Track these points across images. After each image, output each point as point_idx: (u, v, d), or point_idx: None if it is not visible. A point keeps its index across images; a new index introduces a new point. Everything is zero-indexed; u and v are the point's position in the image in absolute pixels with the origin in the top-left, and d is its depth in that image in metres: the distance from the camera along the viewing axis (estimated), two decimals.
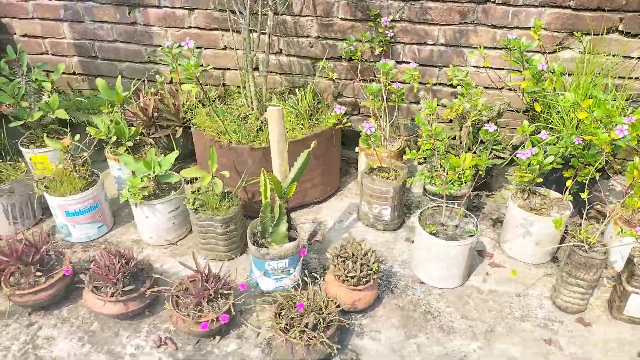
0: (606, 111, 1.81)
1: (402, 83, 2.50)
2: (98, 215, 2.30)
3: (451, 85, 2.68)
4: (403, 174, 2.33)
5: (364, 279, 1.85)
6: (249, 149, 2.24)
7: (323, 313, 1.73)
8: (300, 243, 1.90)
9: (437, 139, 2.14)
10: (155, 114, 2.71)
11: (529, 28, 2.47)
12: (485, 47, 2.59)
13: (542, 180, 2.14)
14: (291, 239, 1.94)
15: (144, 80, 3.12)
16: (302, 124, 2.50)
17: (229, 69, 3.01)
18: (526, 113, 2.62)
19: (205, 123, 2.41)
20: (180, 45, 1.90)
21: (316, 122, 2.54)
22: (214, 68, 3.03)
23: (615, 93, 2.28)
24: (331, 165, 2.57)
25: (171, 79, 3.04)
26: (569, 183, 2.10)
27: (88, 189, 2.23)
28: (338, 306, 1.75)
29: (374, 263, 1.87)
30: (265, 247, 1.88)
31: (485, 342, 1.86)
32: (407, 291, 2.08)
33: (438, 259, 2.00)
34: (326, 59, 2.82)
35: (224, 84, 3.08)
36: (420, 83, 2.79)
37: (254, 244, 1.91)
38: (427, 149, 2.15)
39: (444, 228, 2.04)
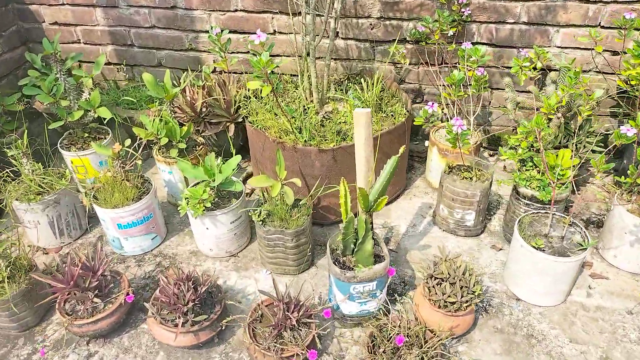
0: None
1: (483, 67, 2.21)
2: (152, 226, 2.10)
3: (534, 69, 2.38)
4: (488, 174, 2.07)
5: (465, 305, 1.62)
6: (317, 150, 1.99)
7: (423, 346, 1.51)
8: (389, 262, 1.68)
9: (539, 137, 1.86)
10: (204, 109, 2.47)
11: (630, 2, 2.14)
12: (574, 25, 2.28)
13: None
14: (377, 257, 1.72)
15: (186, 70, 2.87)
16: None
17: (278, 55, 2.73)
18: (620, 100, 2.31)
19: (267, 121, 2.16)
20: (255, 37, 1.64)
21: (385, 115, 2.27)
22: None
23: None
24: (400, 162, 2.32)
25: (215, 68, 2.78)
26: None
27: (141, 198, 2.02)
28: (440, 339, 1.53)
29: (475, 285, 1.64)
30: (351, 270, 1.66)
31: None
32: (502, 310, 1.85)
33: (542, 275, 1.75)
34: (390, 41, 2.52)
35: (272, 72, 2.81)
36: (493, 67, 2.49)
37: (335, 264, 1.68)
38: (525, 148, 1.88)
39: (548, 240, 1.79)
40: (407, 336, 1.53)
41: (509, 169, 2.60)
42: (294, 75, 2.62)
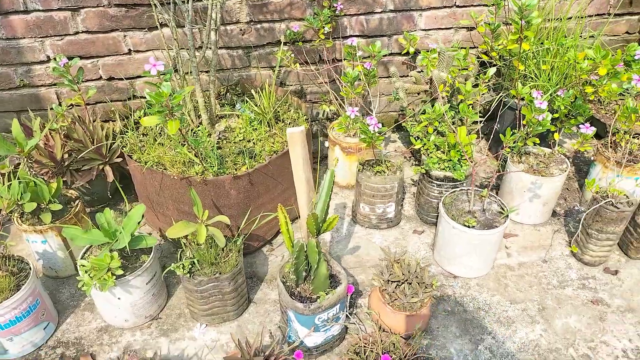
0: (613, 62, 1.76)
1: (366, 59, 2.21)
2: (41, 313, 1.68)
3: (406, 54, 2.47)
4: (399, 164, 2.09)
5: (426, 300, 1.62)
6: (231, 178, 1.78)
7: (404, 356, 1.47)
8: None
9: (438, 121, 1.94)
10: (66, 155, 2.04)
11: None
12: (434, 8, 2.42)
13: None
14: (333, 277, 1.61)
15: (22, 112, 2.35)
16: (270, 131, 2.08)
17: (138, 76, 2.39)
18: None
19: (160, 157, 1.87)
20: (149, 67, 1.36)
21: (284, 124, 2.14)
22: (119, 79, 2.38)
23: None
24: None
25: (68, 104, 2.33)
26: (557, 136, 2.08)
27: (20, 286, 1.59)
28: (415, 343, 1.51)
29: (430, 278, 1.64)
30: (313, 300, 1.52)
31: (545, 321, 1.78)
32: (446, 291, 1.90)
33: (477, 249, 1.84)
34: (264, 45, 2.38)
35: (134, 96, 2.45)
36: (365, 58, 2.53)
37: (292, 297, 1.53)
38: (431, 133, 1.94)
39: (473, 215, 1.88)
40: (389, 351, 1.47)
41: (399, 150, 2.70)
42: None
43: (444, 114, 1.94)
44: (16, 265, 1.66)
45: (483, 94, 1.86)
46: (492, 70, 1.92)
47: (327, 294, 1.52)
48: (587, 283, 1.93)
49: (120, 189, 2.00)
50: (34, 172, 1.80)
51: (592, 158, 2.24)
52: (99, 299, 1.69)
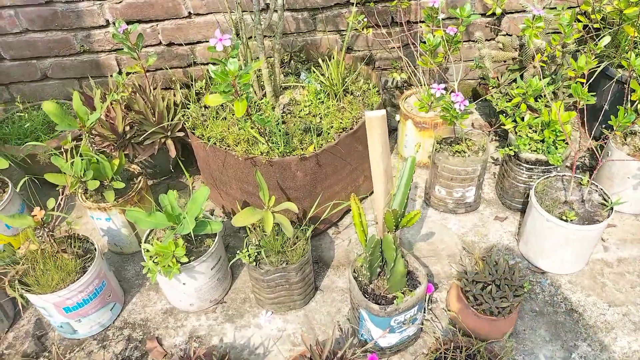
0: None
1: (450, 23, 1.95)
2: (108, 294, 1.65)
3: (492, 15, 2.18)
4: (483, 144, 1.87)
5: (515, 305, 1.44)
6: (298, 159, 1.64)
7: None
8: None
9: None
10: (127, 127, 1.96)
11: None
12: None
13: None
14: (410, 274, 1.46)
15: (82, 79, 2.29)
16: (338, 105, 1.90)
17: (199, 42, 2.25)
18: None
19: (224, 133, 1.75)
20: (215, 42, 1.21)
21: (353, 97, 1.95)
22: (178, 44, 2.26)
23: None
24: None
25: (124, 72, 2.24)
26: None
27: (86, 268, 1.55)
28: (505, 351, 1.35)
29: (521, 279, 1.46)
30: (388, 301, 1.39)
31: None
32: (534, 289, 1.71)
33: (573, 244, 1.63)
34: (331, 6, 2.16)
35: (195, 63, 2.33)
36: (449, 18, 2.25)
37: (365, 295, 1.40)
38: (524, 110, 1.69)
39: (570, 206, 1.65)
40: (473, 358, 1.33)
41: (478, 124, 2.45)
42: None
43: (542, 89, 1.68)
44: (82, 246, 1.62)
45: (591, 68, 1.58)
46: (606, 40, 1.62)
47: (404, 294, 1.38)
48: None
49: (181, 163, 1.90)
50: (95, 147, 1.73)
51: None
52: (163, 283, 1.64)
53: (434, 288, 1.72)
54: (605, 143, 1.94)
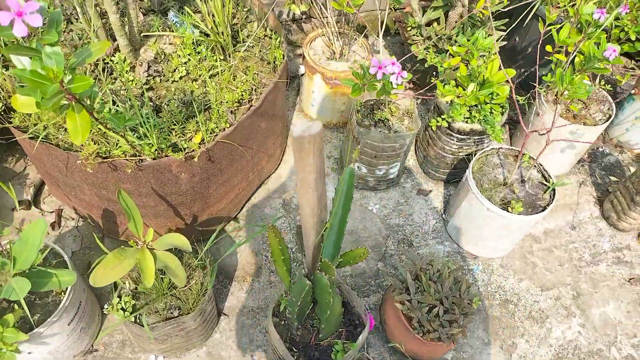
0: None
1: None
2: None
3: None
4: (412, 109, 1.53)
5: (462, 322, 1.22)
6: (180, 160, 1.15)
7: None
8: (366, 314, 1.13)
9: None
10: None
11: None
12: None
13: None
14: (345, 306, 1.15)
15: None
16: (227, 63, 1.39)
17: None
18: None
19: (45, 118, 1.16)
20: None
21: (247, 52, 1.45)
22: None
23: None
24: (282, 118, 1.60)
25: None
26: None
27: None
28: None
29: (466, 291, 1.23)
30: (325, 353, 1.07)
31: (581, 313, 1.49)
32: (466, 277, 1.53)
33: (513, 233, 1.44)
34: None
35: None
36: None
37: (292, 346, 1.07)
38: (462, 75, 1.36)
39: (511, 189, 1.43)
40: None
41: None
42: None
43: (489, 47, 1.35)
44: None
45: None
46: None
47: (344, 347, 1.07)
48: (621, 255, 1.64)
49: None
50: None
51: (633, 91, 1.80)
52: None
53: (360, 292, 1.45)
54: (533, 99, 1.74)
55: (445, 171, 1.68)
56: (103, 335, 1.29)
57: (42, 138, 1.13)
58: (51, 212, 1.51)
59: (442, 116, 1.50)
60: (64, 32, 1.40)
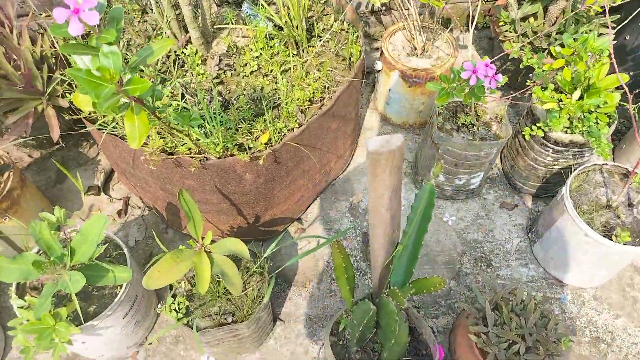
0: None
1: None
2: None
3: None
4: (502, 115, 1.37)
5: None
6: (245, 160, 1.09)
7: None
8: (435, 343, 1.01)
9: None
10: None
11: None
12: None
13: None
14: (412, 333, 1.03)
15: None
16: (301, 58, 1.31)
17: None
18: None
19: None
20: None
21: (323, 47, 1.35)
22: None
23: None
24: (354, 117, 1.49)
25: None
26: None
27: None
28: None
29: (557, 335, 1.07)
30: None
31: None
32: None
33: (613, 264, 1.25)
34: None
35: None
36: None
37: None
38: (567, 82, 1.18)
39: (615, 213, 1.24)
40: None
41: None
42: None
43: (604, 50, 1.16)
44: None
45: None
46: None
47: None
48: None
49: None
50: None
51: None
52: None
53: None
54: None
55: (535, 184, 1.50)
56: (154, 338, 1.26)
57: (109, 131, 1.11)
58: (119, 199, 1.52)
59: (538, 124, 1.32)
60: (139, 22, 1.38)
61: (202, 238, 0.99)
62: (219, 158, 1.07)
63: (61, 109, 1.35)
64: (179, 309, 1.05)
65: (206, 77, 1.27)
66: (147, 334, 1.28)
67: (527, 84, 1.45)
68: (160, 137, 1.11)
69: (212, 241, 0.98)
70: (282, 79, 1.24)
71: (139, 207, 1.52)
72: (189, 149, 1.08)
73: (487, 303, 1.09)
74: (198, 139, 1.05)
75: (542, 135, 1.33)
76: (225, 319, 1.07)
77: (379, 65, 1.60)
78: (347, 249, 1.43)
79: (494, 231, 1.49)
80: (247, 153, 1.08)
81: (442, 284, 0.84)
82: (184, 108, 1.09)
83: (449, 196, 1.52)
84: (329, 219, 1.50)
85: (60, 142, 1.50)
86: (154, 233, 1.18)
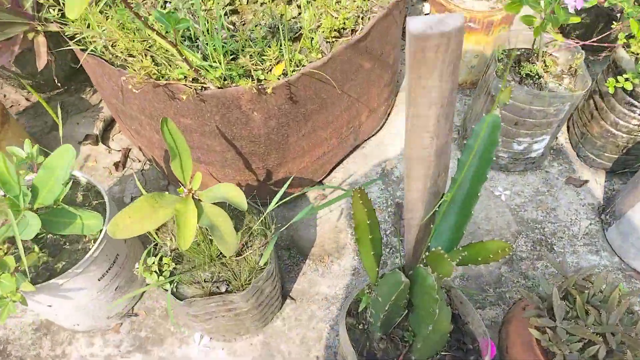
0: None
1: None
2: None
3: None
4: (578, 64, 1.10)
5: None
6: (253, 92, 0.87)
7: None
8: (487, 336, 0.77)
9: None
10: None
11: None
12: None
13: None
14: (457, 334, 0.79)
15: None
16: None
17: None
18: None
19: (117, 39, 0.93)
20: None
21: None
22: None
23: None
24: (393, 62, 1.25)
25: None
26: None
27: None
28: None
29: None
30: None
31: None
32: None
33: None
34: None
35: None
36: None
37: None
38: None
39: None
40: None
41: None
42: None
43: None
44: None
45: None
46: None
47: None
48: None
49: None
50: None
51: None
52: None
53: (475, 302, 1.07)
54: None
55: (613, 156, 1.22)
56: (126, 298, 1.07)
57: (92, 50, 0.92)
58: (118, 150, 1.34)
59: (625, 75, 1.04)
60: None
61: (190, 182, 0.78)
62: (220, 88, 0.86)
63: (59, 44, 1.17)
64: (162, 271, 0.85)
65: (218, 3, 1.06)
66: (134, 305, 1.09)
67: (612, 27, 1.17)
68: (155, 64, 0.90)
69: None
70: (309, 6, 1.01)
71: (140, 161, 1.33)
72: (184, 75, 0.87)
73: (555, 290, 0.83)
74: (191, 58, 0.83)
75: (630, 90, 1.05)
76: (217, 287, 0.86)
77: (426, 8, 1.35)
78: None
79: (557, 210, 1.22)
80: (252, 81, 0.86)
81: (507, 249, 0.60)
82: (169, 12, 0.88)
83: (503, 166, 1.26)
84: (356, 185, 1.27)
85: (60, 86, 1.32)
86: (142, 190, 0.98)
